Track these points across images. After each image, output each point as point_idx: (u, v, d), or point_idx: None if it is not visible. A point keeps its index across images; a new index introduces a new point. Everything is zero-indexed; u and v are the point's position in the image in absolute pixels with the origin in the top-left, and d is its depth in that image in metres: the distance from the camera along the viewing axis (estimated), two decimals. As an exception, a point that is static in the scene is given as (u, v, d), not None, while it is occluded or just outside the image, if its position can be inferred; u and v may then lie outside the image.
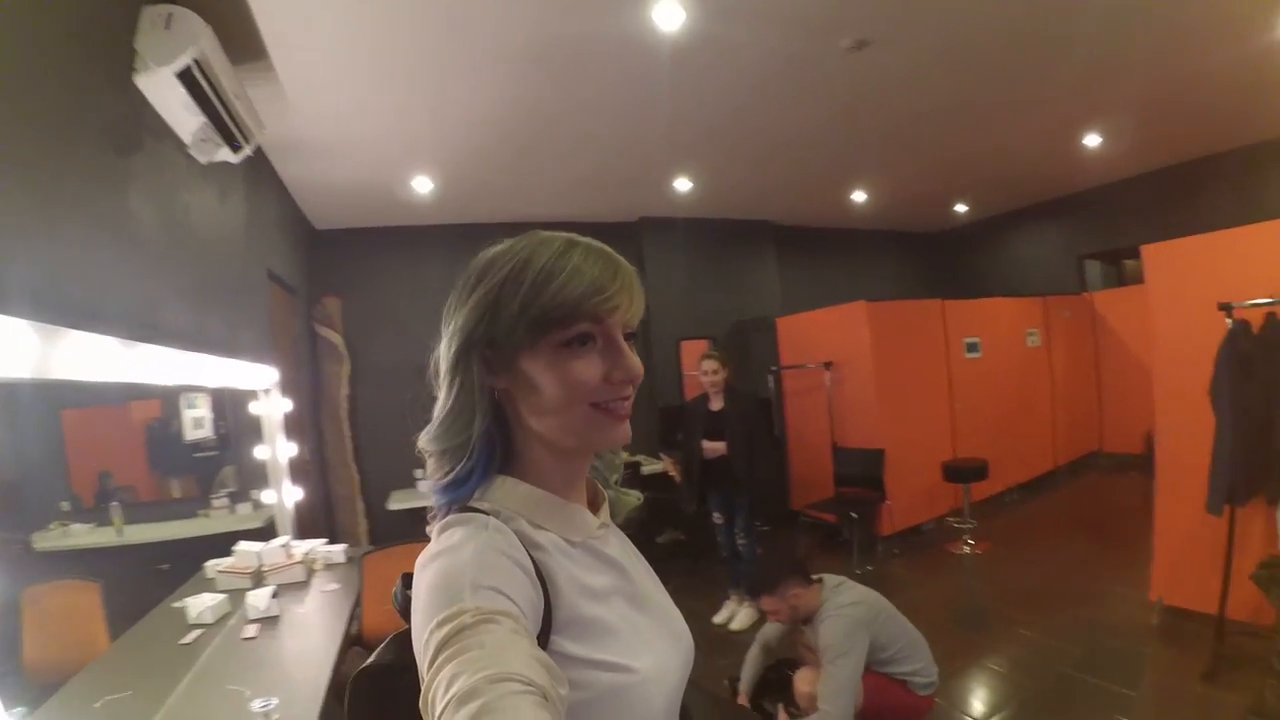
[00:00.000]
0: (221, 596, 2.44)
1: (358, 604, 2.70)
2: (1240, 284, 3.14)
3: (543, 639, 0.64)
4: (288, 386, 3.82)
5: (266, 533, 3.24)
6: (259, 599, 2.44)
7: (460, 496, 0.75)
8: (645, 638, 0.74)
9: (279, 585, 2.72)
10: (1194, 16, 3.58)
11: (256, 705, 1.56)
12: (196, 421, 2.66)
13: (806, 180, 6.32)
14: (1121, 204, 7.35)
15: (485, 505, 0.74)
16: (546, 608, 0.66)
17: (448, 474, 0.75)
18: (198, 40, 2.07)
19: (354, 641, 2.63)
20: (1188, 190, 6.63)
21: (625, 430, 0.74)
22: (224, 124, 2.45)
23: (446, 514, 0.74)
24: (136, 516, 2.29)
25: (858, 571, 4.84)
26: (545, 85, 3.66)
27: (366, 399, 5.75)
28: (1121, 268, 8.46)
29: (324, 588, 2.82)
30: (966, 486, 5.36)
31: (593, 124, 4.32)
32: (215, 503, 2.99)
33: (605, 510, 0.85)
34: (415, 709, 0.52)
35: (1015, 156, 6.23)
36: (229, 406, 3.16)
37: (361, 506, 5.56)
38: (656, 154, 5.06)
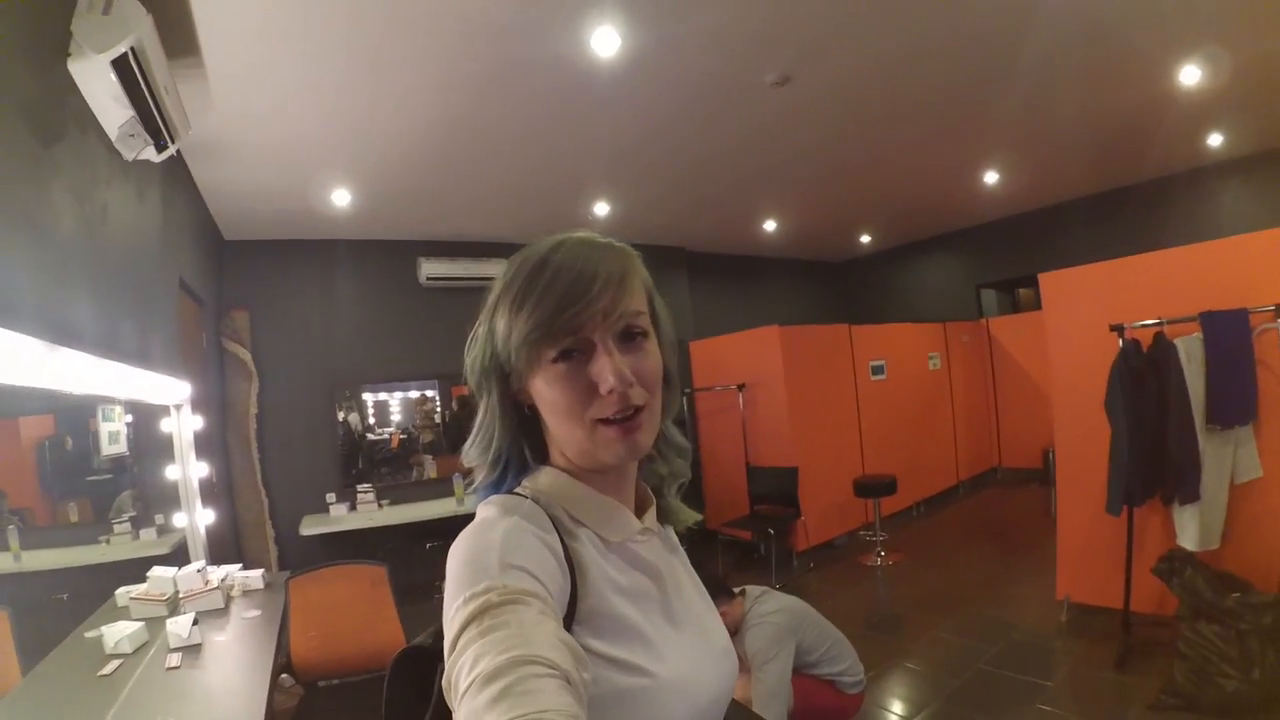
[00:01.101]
0: (138, 625, 2.27)
1: (283, 629, 2.56)
2: (1129, 308, 3.45)
3: (566, 624, 0.63)
4: (197, 403, 3.61)
5: (175, 558, 3.03)
6: (180, 627, 2.29)
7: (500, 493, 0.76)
8: (672, 645, 0.72)
9: (197, 612, 2.56)
10: (1098, 60, 3.88)
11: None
12: (112, 436, 2.47)
13: (719, 208, 6.51)
14: (1016, 237, 7.96)
15: (527, 490, 0.75)
16: (572, 595, 0.66)
17: (493, 480, 0.78)
18: (137, 27, 1.95)
19: (281, 669, 2.49)
20: (1079, 224, 7.24)
21: (634, 444, 0.70)
22: (152, 119, 2.31)
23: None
24: (34, 542, 2.12)
25: (776, 586, 4.90)
26: (472, 102, 3.64)
27: (275, 419, 5.47)
28: (1015, 296, 9.12)
29: (244, 614, 2.67)
30: (877, 501, 5.60)
31: (515, 145, 4.32)
32: (116, 528, 2.79)
33: (651, 515, 0.83)
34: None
35: (919, 191, 6.63)
36: (134, 423, 2.96)
37: (270, 531, 5.26)
38: (577, 177, 5.09)
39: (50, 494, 2.46)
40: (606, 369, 0.68)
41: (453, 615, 0.55)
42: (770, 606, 2.69)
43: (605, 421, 0.69)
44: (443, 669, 0.54)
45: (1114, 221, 6.91)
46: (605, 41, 3.10)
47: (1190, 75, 4.15)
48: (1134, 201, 6.84)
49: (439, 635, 0.73)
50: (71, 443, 2.51)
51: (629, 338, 0.72)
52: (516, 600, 0.54)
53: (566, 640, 0.53)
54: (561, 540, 0.69)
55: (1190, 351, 3.18)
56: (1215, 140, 5.73)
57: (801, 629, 2.67)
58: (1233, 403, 3.13)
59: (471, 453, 0.78)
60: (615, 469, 0.76)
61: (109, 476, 2.85)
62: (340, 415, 5.97)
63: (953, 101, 4.38)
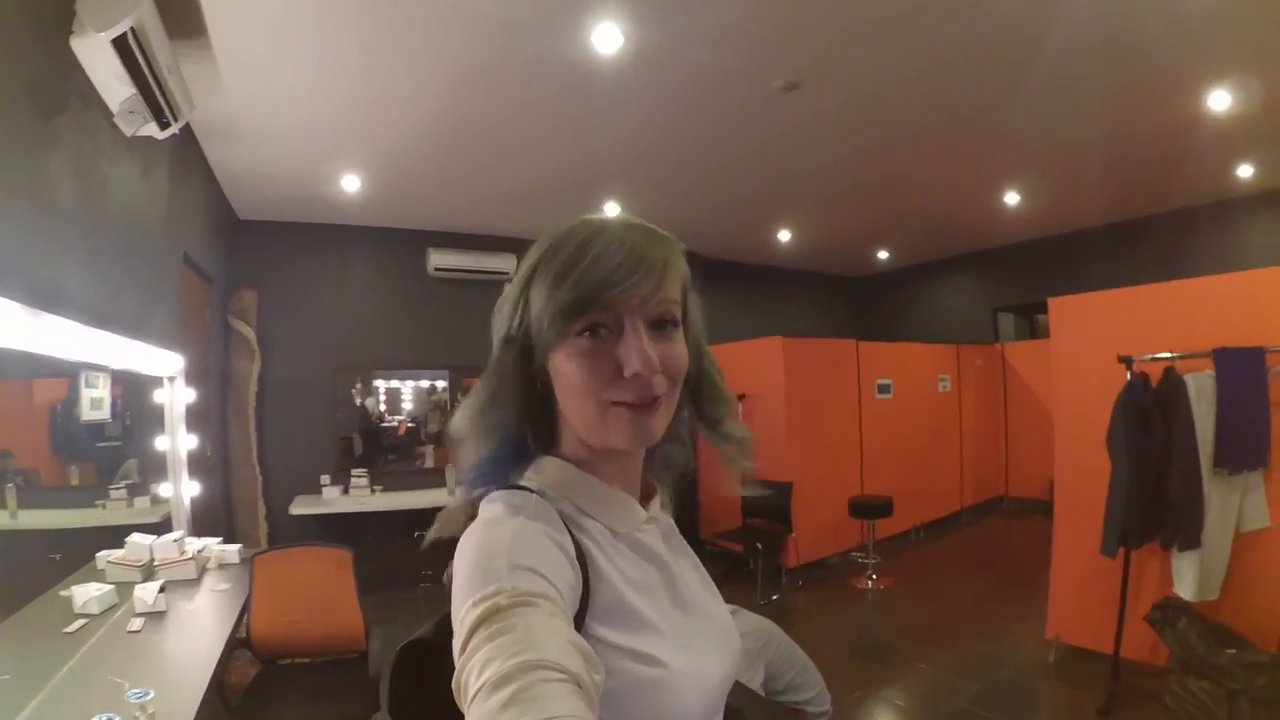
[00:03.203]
0: (109, 588, 2.31)
1: (246, 607, 2.59)
2: (1140, 339, 3.30)
3: (578, 623, 0.63)
4: (194, 376, 3.67)
5: (163, 528, 3.09)
6: (147, 593, 2.32)
7: (495, 480, 0.74)
8: (684, 635, 0.72)
9: (168, 581, 2.59)
10: (1121, 81, 3.79)
11: (133, 695, 1.50)
12: (95, 402, 2.53)
13: (733, 215, 6.48)
14: (1037, 261, 7.82)
15: (532, 483, 0.73)
16: (585, 591, 0.65)
17: (484, 458, 0.75)
18: (137, 8, 2.01)
19: (240, 644, 2.53)
20: (1102, 252, 7.08)
21: (648, 429, 0.69)
22: (154, 97, 2.37)
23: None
24: (32, 502, 2.20)
25: (761, 602, 4.91)
26: (481, 97, 3.68)
27: (275, 399, 5.55)
28: (1034, 321, 8.89)
29: (215, 587, 2.70)
30: (871, 523, 5.51)
31: (524, 142, 4.36)
32: (114, 494, 2.87)
33: (656, 504, 0.83)
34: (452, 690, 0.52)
35: (938, 208, 6.56)
36: (133, 393, 3.03)
37: (263, 509, 5.34)
38: (587, 176, 5.11)
39: (59, 456, 2.54)
40: (633, 352, 0.67)
41: (462, 617, 0.55)
42: (741, 628, 2.66)
43: (620, 404, 0.68)
44: (447, 664, 0.53)
45: (1138, 251, 6.78)
46: (606, 39, 3.11)
47: (1220, 101, 4.03)
48: (1159, 231, 6.69)
49: (439, 628, 0.73)
50: (81, 407, 2.56)
51: (660, 326, 0.71)
52: (525, 602, 0.54)
53: (577, 642, 0.53)
54: (571, 535, 0.68)
55: (1201, 389, 3.03)
56: (1245, 172, 5.59)
57: (769, 652, 2.64)
58: (1243, 446, 2.98)
59: (461, 421, 0.74)
60: (622, 454, 0.75)
61: (118, 443, 2.93)
62: (358, 400, 6.09)
63: (971, 120, 4.34)
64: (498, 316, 0.76)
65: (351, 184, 4.92)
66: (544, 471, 0.75)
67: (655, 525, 0.82)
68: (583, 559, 0.67)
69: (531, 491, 0.70)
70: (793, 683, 2.63)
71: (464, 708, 0.48)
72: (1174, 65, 3.64)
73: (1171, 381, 3.13)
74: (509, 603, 0.53)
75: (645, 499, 0.82)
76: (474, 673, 0.48)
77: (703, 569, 0.86)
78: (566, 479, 0.74)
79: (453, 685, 0.51)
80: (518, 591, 0.54)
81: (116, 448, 2.92)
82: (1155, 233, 6.72)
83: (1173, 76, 3.78)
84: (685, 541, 0.88)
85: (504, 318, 0.74)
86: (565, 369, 0.69)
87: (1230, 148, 4.98)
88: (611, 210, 5.76)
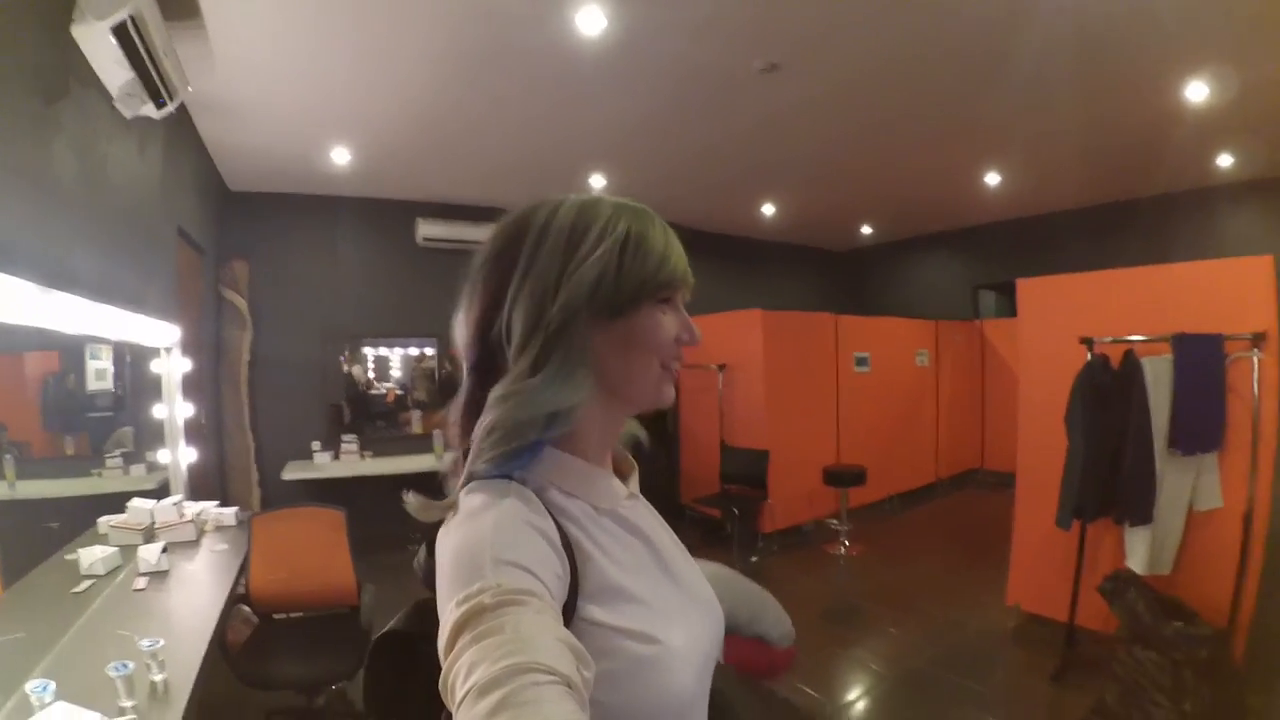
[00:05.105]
0: (113, 550, 2.43)
1: (245, 565, 2.73)
2: (1104, 322, 3.40)
3: (570, 606, 0.64)
4: (189, 346, 3.77)
5: (160, 494, 3.20)
6: (150, 553, 2.45)
7: (509, 471, 0.70)
8: (674, 609, 0.73)
9: (169, 543, 2.72)
10: (1098, 71, 3.87)
11: (144, 644, 1.62)
12: (99, 373, 2.63)
13: (716, 191, 6.55)
14: (1018, 241, 7.96)
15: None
16: (574, 576, 0.65)
17: (510, 447, 0.68)
18: (136, -3, 2.08)
19: (239, 599, 2.67)
20: (1082, 234, 7.21)
21: (673, 391, 0.78)
22: (151, 80, 2.45)
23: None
24: (29, 472, 2.28)
25: (738, 565, 5.06)
26: (469, 73, 3.74)
27: (267, 367, 5.66)
28: (1014, 299, 8.99)
29: (214, 548, 2.84)
30: (844, 491, 5.67)
31: (513, 118, 4.43)
32: (109, 462, 2.96)
33: (634, 480, 0.85)
34: (431, 679, 0.52)
35: (920, 187, 6.64)
36: (128, 363, 3.11)
37: (255, 475, 5.47)
38: (573, 152, 5.19)
39: (52, 427, 2.61)
40: (694, 326, 0.77)
41: (446, 617, 0.54)
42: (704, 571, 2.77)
43: (664, 367, 0.75)
44: (423, 655, 0.58)
45: (1118, 234, 6.89)
46: (590, 20, 3.19)
47: (1197, 92, 4.13)
48: (1140, 216, 6.79)
49: (410, 618, 0.77)
50: (75, 379, 2.66)
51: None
52: (512, 601, 0.53)
53: (566, 639, 0.52)
54: (555, 521, 0.67)
55: (1158, 372, 3.12)
56: (1225, 161, 5.69)
57: (728, 597, 2.73)
58: (1198, 429, 3.09)
59: (532, 402, 0.68)
60: (605, 429, 0.78)
61: (109, 414, 3.00)
62: (345, 368, 6.19)
63: (949, 103, 4.42)
64: (538, 292, 0.70)
65: (342, 156, 4.98)
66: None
67: (637, 501, 0.83)
68: (568, 545, 0.66)
69: (510, 479, 0.69)
70: (752, 617, 2.72)
71: (451, 708, 0.48)
72: (1151, 56, 3.72)
73: (1130, 364, 3.21)
74: (494, 602, 0.52)
75: (622, 477, 0.83)
76: (461, 675, 0.48)
77: (680, 542, 0.86)
78: (553, 463, 0.73)
79: (439, 686, 0.51)
80: (503, 589, 0.54)
81: (109, 418, 2.99)
82: (1136, 217, 6.82)
83: (1150, 67, 3.86)
84: (658, 513, 0.88)
85: (570, 294, 0.69)
86: (642, 329, 0.73)
87: (1209, 138, 5.07)
88: (597, 183, 5.85)
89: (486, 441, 0.68)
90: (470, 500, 0.66)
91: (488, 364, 0.74)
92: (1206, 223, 6.45)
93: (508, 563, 0.58)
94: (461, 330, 0.77)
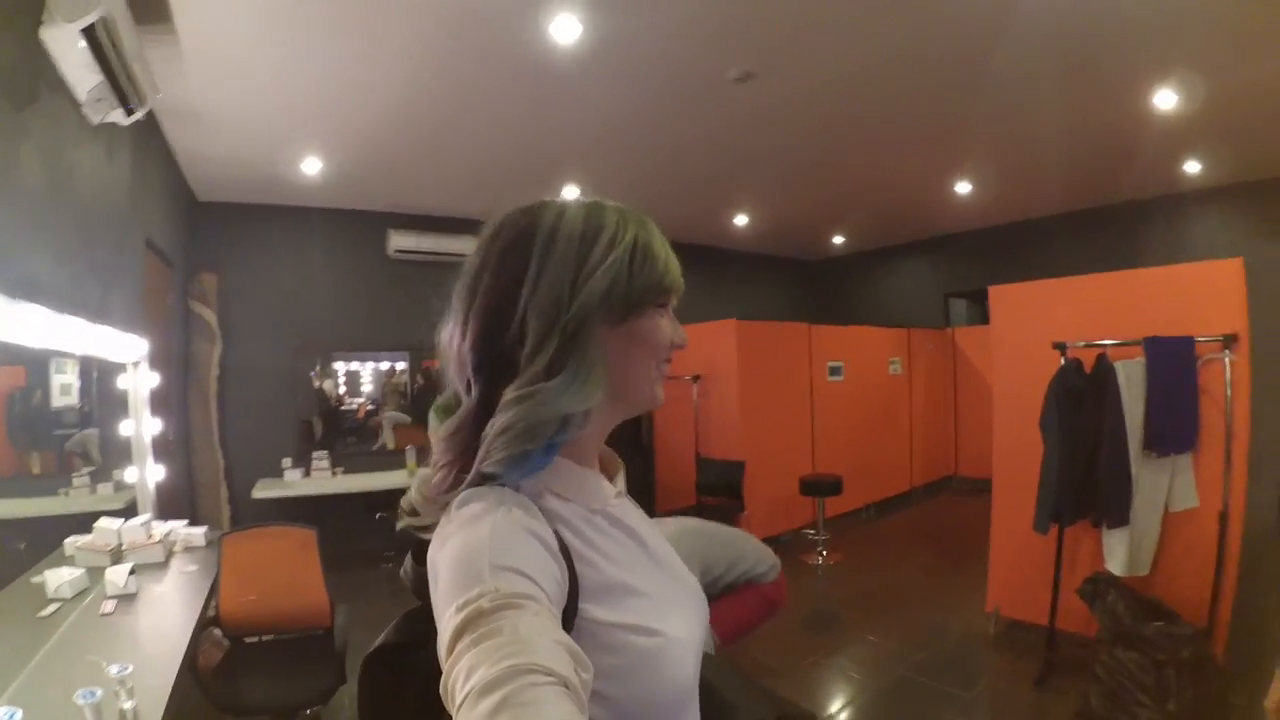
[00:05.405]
0: (80, 572, 2.34)
1: (215, 586, 2.65)
2: (1076, 327, 3.46)
3: (571, 608, 0.64)
4: (157, 361, 3.66)
5: (128, 514, 3.10)
6: (118, 576, 2.36)
7: (517, 476, 0.70)
8: (670, 601, 0.75)
9: (137, 564, 2.63)
10: (1070, 77, 3.92)
11: (113, 670, 1.56)
12: (64, 389, 2.54)
13: (689, 199, 6.55)
14: (989, 249, 8.07)
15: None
16: (573, 580, 0.66)
17: (522, 449, 0.67)
18: (107, -1, 2.02)
19: (210, 622, 2.58)
20: (1053, 241, 7.31)
21: (663, 393, 0.81)
22: (120, 85, 2.38)
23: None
24: None
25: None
26: (442, 81, 3.71)
27: (237, 382, 5.53)
28: (986, 307, 9.11)
29: (183, 569, 2.75)
30: (821, 501, 5.67)
31: (485, 126, 4.40)
32: (76, 481, 2.89)
33: (621, 479, 0.86)
34: (425, 687, 0.53)
35: (892, 195, 6.70)
36: (94, 379, 3.03)
37: (225, 492, 5.33)
38: (546, 161, 5.16)
39: (18, 445, 2.53)
40: (683, 330, 0.82)
41: (445, 622, 0.55)
42: (669, 532, 2.59)
43: (658, 370, 0.80)
44: (414, 664, 0.59)
45: (1088, 241, 6.97)
46: (566, 29, 3.18)
47: (1165, 100, 4.20)
48: (1111, 222, 6.92)
49: (400, 629, 0.78)
50: (41, 395, 2.58)
51: None
52: (510, 604, 0.54)
53: (564, 641, 0.53)
54: (553, 527, 0.68)
55: (1130, 375, 3.17)
56: (1193, 167, 5.81)
57: (702, 548, 2.58)
58: (1172, 430, 3.13)
59: (550, 403, 0.68)
60: (596, 432, 0.79)
61: (75, 431, 2.92)
62: (316, 383, 6.08)
63: (923, 111, 4.47)
64: (549, 295, 0.70)
65: (312, 166, 4.90)
66: None
67: (625, 499, 0.84)
68: (565, 550, 0.67)
69: (504, 486, 0.69)
70: (733, 562, 2.58)
71: (452, 712, 0.49)
72: (1121, 64, 3.78)
73: (1103, 367, 3.26)
74: (493, 606, 0.53)
75: (610, 474, 0.84)
76: (460, 678, 0.49)
77: (662, 537, 0.87)
78: (548, 468, 0.73)
79: (440, 690, 0.51)
80: (501, 594, 0.54)
81: (74, 434, 2.92)
82: (1107, 223, 6.95)
83: (1119, 75, 3.92)
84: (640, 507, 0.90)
85: (598, 294, 0.71)
86: (645, 330, 0.77)
87: (1177, 144, 5.18)
88: (570, 194, 5.80)
89: (499, 441, 0.67)
90: (467, 508, 0.66)
91: (495, 367, 0.72)
92: (1175, 228, 6.59)
93: (506, 568, 0.58)
94: (456, 336, 0.75)
